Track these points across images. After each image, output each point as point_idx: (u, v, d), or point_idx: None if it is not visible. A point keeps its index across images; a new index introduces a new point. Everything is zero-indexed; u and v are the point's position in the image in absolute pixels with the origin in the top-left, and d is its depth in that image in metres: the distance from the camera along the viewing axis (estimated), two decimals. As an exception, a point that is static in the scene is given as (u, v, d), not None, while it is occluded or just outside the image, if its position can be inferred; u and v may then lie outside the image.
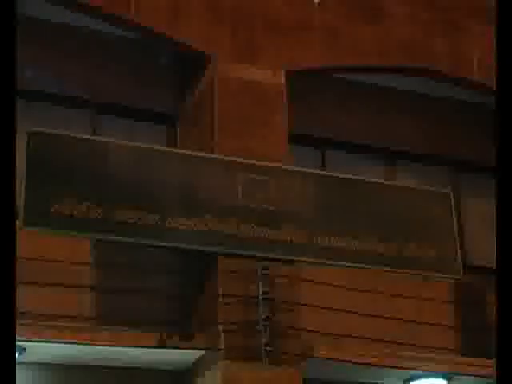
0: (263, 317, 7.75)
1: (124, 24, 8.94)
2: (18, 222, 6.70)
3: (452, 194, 9.30)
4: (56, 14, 8.66)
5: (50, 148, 7.52)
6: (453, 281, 9.39)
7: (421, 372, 8.69)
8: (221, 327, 7.73)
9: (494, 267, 8.84)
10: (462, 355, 9.14)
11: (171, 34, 8.97)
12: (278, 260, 8.11)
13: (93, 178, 7.58)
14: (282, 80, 8.89)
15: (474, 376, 8.77)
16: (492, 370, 8.29)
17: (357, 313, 8.56)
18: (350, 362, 8.25)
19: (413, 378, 8.79)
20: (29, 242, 7.28)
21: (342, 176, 8.99)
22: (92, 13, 8.68)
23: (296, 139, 9.20)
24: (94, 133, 8.54)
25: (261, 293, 7.90)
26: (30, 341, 7.23)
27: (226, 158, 8.23)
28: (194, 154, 8.50)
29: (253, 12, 9.26)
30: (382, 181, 9.55)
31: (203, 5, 9.05)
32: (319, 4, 9.34)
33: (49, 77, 8.99)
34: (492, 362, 8.50)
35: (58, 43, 9.03)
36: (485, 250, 9.96)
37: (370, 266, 8.41)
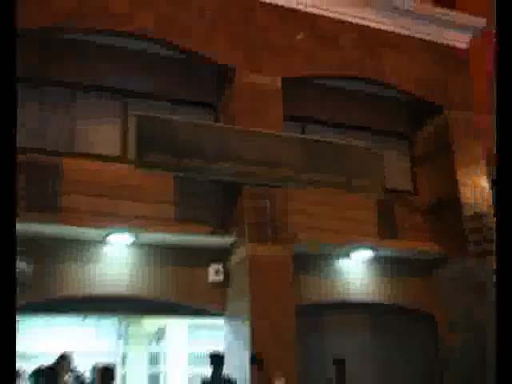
0: (268, 218, 10.27)
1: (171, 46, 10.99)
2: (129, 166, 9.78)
3: (381, 151, 11.87)
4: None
5: (152, 125, 9.79)
6: (377, 198, 12.15)
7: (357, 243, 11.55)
8: (246, 225, 10.19)
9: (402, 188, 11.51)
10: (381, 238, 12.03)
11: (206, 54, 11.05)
12: (279, 186, 10.55)
13: (176, 142, 9.85)
14: (279, 83, 11.31)
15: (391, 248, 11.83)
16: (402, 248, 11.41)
17: (322, 215, 11.40)
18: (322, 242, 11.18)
19: (354, 249, 11.58)
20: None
21: (315, 139, 11.35)
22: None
23: (287, 118, 11.40)
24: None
25: (268, 217, 10.34)
26: (140, 232, 9.97)
27: (245, 129, 10.49)
28: (226, 126, 10.80)
29: (258, 38, 11.48)
30: (337, 141, 11.65)
31: (224, 34, 11.17)
32: (301, 38, 11.57)
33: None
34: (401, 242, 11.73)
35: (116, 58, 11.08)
36: (396, 181, 13.11)
37: (329, 190, 10.87)
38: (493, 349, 5.12)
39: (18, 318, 11.57)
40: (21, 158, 9.63)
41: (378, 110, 13.20)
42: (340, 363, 8.94)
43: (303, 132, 12.26)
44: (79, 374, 9.29)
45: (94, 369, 9.12)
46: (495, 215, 5.05)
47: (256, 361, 9.18)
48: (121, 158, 10.76)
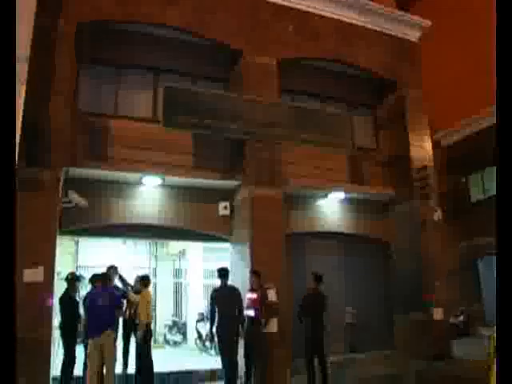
0: (266, 166, 10.40)
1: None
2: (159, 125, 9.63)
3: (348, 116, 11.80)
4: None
5: (176, 94, 9.64)
6: (347, 154, 12.14)
7: (332, 187, 11.55)
8: (248, 171, 10.38)
9: (367, 146, 11.59)
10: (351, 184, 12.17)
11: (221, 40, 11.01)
12: (278, 143, 10.62)
13: (195, 107, 9.65)
14: (275, 62, 11.20)
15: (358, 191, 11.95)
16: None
17: (307, 165, 11.46)
18: (306, 186, 11.30)
19: (330, 192, 11.58)
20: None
21: (302, 106, 11.11)
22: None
23: (281, 90, 11.34)
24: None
25: (265, 165, 10.44)
26: (166, 176, 10.03)
27: (250, 97, 10.28)
28: (236, 96, 10.46)
29: (260, 28, 11.36)
30: (318, 108, 11.65)
31: (235, 26, 11.10)
32: (292, 29, 11.61)
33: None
34: (365, 187, 11.78)
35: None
36: (363, 141, 13.11)
37: (312, 146, 10.64)
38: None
39: (78, 238, 11.96)
40: (80, 119, 9.87)
41: (350, 85, 13.11)
42: (318, 278, 9.05)
43: (293, 101, 12.18)
44: (124, 279, 9.63)
45: (137, 277, 9.45)
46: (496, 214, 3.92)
47: (254, 272, 9.40)
48: (152, 119, 10.70)
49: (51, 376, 8.21)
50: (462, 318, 16.32)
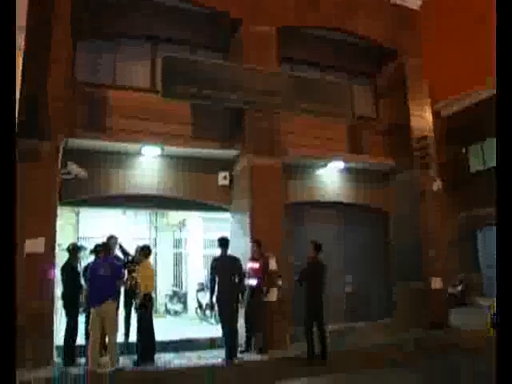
0: (265, 136, 10.35)
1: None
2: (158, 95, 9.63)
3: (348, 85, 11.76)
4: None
5: (175, 64, 9.58)
6: (347, 123, 12.09)
7: (332, 157, 11.52)
8: (248, 139, 10.34)
9: (367, 116, 11.54)
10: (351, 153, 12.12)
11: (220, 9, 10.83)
12: (278, 113, 10.56)
13: (194, 77, 9.62)
14: (275, 32, 11.04)
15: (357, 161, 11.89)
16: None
17: (306, 135, 11.41)
18: (305, 156, 11.26)
19: (329, 161, 11.51)
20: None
21: (302, 75, 11.09)
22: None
23: (281, 59, 11.28)
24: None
25: (265, 135, 10.39)
26: (165, 146, 9.98)
27: (250, 66, 10.24)
28: (235, 65, 10.41)
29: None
30: (318, 77, 11.78)
31: None
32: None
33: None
34: (365, 156, 11.80)
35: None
36: (363, 110, 13.02)
37: (312, 116, 10.65)
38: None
39: (78, 209, 11.93)
40: (78, 90, 9.80)
41: (350, 54, 12.93)
42: (318, 247, 9.08)
43: (292, 70, 12.07)
44: (124, 249, 9.71)
45: (137, 247, 9.51)
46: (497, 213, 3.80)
47: (255, 241, 9.45)
48: (151, 89, 10.62)
49: (54, 345, 8.33)
50: (459, 287, 16.48)
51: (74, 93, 9.63)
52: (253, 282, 9.18)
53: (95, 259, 8.29)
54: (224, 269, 8.80)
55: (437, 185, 12.10)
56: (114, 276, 8.05)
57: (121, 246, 9.53)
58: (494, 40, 4.33)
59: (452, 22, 18.97)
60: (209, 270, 9.19)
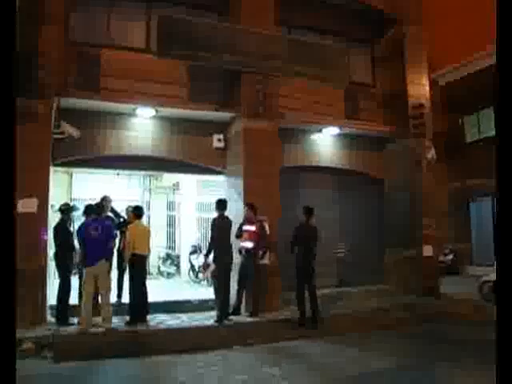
0: (262, 99, 10.23)
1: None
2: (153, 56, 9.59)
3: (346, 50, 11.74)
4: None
5: (171, 24, 9.58)
6: (343, 88, 12.12)
7: (328, 122, 11.47)
8: (244, 102, 10.17)
9: (364, 82, 11.43)
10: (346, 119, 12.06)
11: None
12: (274, 76, 10.49)
13: (190, 38, 9.59)
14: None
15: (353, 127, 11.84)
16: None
17: (303, 100, 11.35)
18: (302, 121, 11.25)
19: (325, 126, 11.50)
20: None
21: (299, 39, 11.08)
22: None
23: (278, 23, 11.08)
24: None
25: (261, 98, 10.24)
26: (160, 107, 9.86)
27: (247, 28, 10.19)
28: (233, 26, 10.30)
29: None
30: (315, 41, 11.45)
31: None
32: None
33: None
34: (361, 123, 11.66)
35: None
36: (360, 76, 12.93)
37: (309, 79, 10.78)
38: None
39: (71, 171, 11.88)
40: (72, 49, 9.60)
41: (349, 19, 12.74)
42: (309, 211, 9.15)
43: (290, 34, 11.91)
44: (116, 211, 9.75)
45: (128, 207, 9.54)
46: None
47: (250, 205, 9.45)
48: (146, 50, 10.41)
49: (48, 305, 8.37)
50: (450, 256, 16.72)
51: (67, 51, 9.41)
52: (248, 244, 9.25)
53: (86, 219, 8.23)
54: (223, 229, 8.94)
55: (431, 153, 12.08)
56: (107, 236, 8.03)
57: (112, 208, 9.54)
58: (495, 7, 4.24)
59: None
60: (211, 227, 9.16)
